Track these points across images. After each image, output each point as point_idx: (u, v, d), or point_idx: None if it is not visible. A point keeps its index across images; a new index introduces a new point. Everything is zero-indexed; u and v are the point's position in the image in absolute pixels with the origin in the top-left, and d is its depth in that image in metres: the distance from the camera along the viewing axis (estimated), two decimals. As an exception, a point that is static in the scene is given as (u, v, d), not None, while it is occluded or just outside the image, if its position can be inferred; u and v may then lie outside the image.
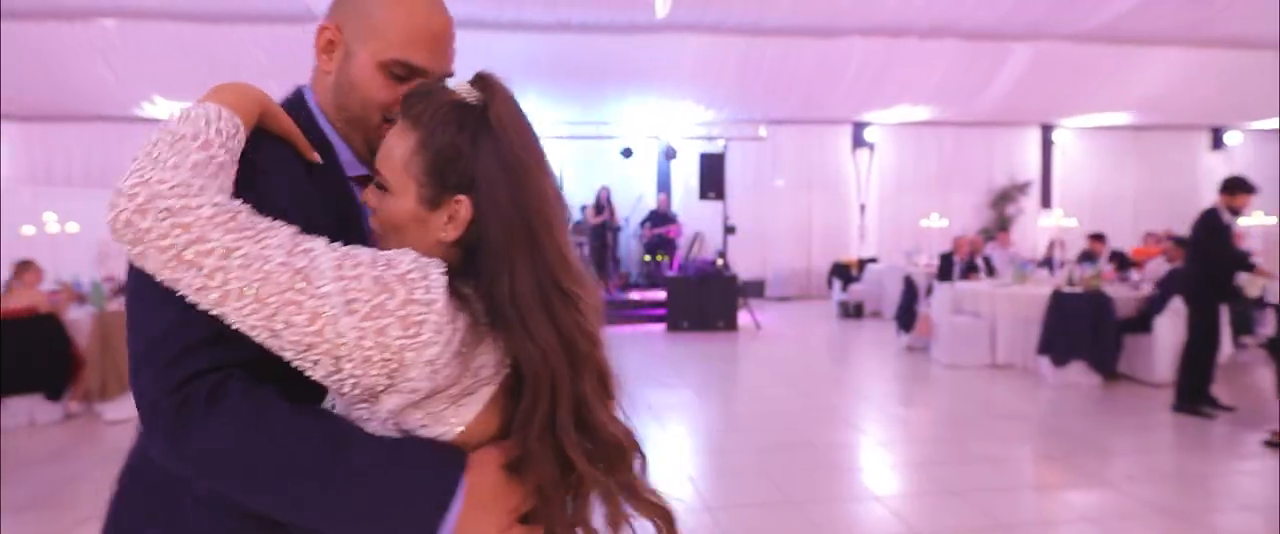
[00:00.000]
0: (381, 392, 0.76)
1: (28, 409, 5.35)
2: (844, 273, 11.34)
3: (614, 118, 12.09)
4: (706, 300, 9.52)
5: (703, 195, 10.46)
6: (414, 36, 0.94)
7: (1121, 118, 13.16)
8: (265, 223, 0.75)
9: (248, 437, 0.74)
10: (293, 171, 0.91)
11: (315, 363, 0.74)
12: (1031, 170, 13.55)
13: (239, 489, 0.76)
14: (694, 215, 12.00)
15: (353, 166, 1.01)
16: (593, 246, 11.33)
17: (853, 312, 10.78)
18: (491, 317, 0.80)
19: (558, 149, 12.12)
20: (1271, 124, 13.08)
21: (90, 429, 5.29)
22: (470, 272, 0.82)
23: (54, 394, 5.40)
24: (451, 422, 0.80)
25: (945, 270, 8.13)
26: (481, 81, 0.86)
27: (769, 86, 11.42)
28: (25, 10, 8.91)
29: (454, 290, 0.78)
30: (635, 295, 10.85)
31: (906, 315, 8.14)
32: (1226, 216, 5.25)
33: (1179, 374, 5.46)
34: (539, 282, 0.81)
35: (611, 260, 11.49)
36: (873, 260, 11.80)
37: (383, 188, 0.85)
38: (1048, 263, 8.75)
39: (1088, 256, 8.44)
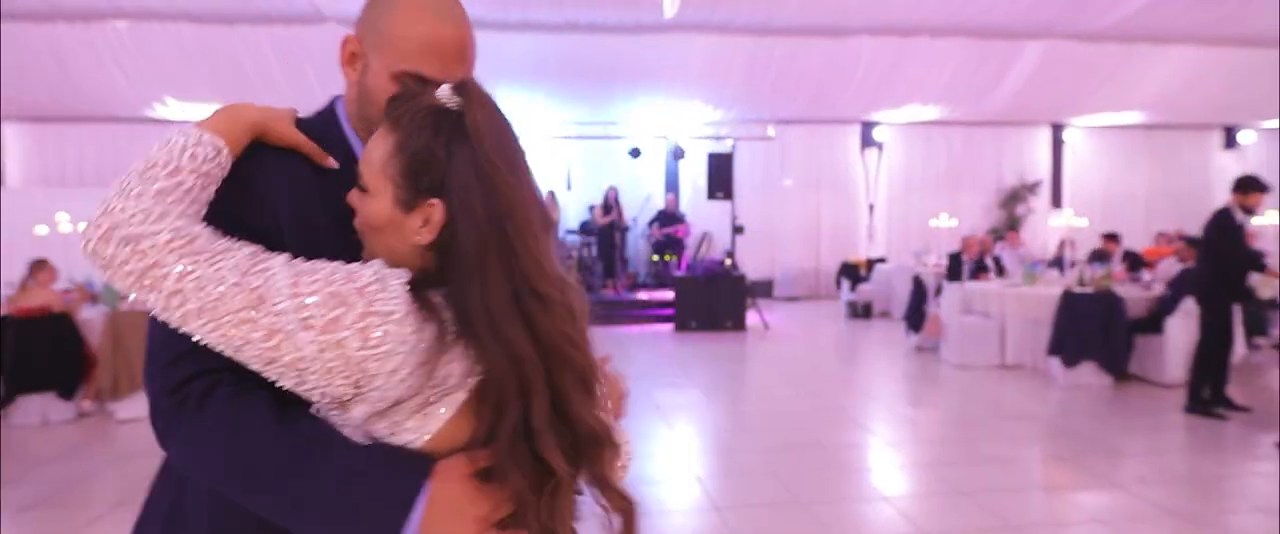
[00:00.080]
0: (349, 401, 0.79)
1: (41, 407, 5.40)
2: (852, 273, 11.31)
3: (622, 118, 12.09)
4: (714, 300, 9.51)
5: (711, 195, 10.45)
6: (423, 49, 0.96)
7: (1133, 117, 13.06)
8: (223, 245, 0.79)
9: (226, 438, 0.80)
10: (295, 174, 0.95)
11: (280, 375, 0.78)
12: (1041, 170, 13.47)
13: (221, 486, 0.82)
14: (702, 215, 12.00)
15: None
16: (601, 246, 11.34)
17: (861, 312, 10.74)
18: (461, 324, 0.80)
19: (566, 149, 12.14)
20: (1285, 123, 12.97)
21: (102, 428, 5.33)
22: (445, 278, 0.83)
23: (67, 393, 5.44)
24: (416, 431, 0.80)
25: (954, 270, 8.10)
26: (462, 88, 0.86)
27: (777, 86, 11.40)
28: (37, 12, 8.98)
29: (421, 299, 0.79)
30: (643, 295, 10.85)
31: (915, 315, 8.11)
32: (1239, 216, 5.21)
33: (1191, 375, 5.41)
34: (514, 288, 0.81)
35: (619, 260, 11.49)
36: (881, 260, 11.76)
37: (363, 189, 0.87)
38: (1058, 263, 8.70)
39: (1099, 256, 8.39)
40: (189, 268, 0.76)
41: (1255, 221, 5.49)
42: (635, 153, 11.67)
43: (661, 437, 4.88)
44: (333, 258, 0.86)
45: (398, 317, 0.76)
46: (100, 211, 0.79)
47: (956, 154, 13.29)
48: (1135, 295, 6.46)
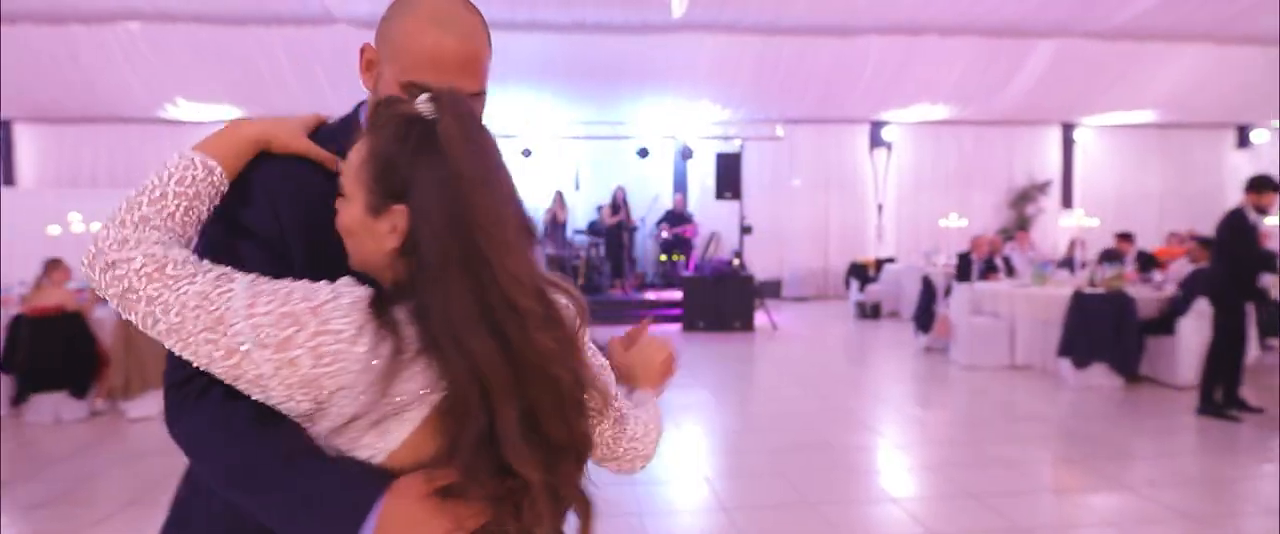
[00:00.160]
0: (312, 415, 0.82)
1: (53, 406, 5.44)
2: (861, 273, 11.27)
3: (630, 118, 12.09)
4: (723, 300, 9.50)
5: (719, 195, 10.44)
6: (426, 60, 0.97)
7: (1145, 116, 12.97)
8: (191, 269, 0.83)
9: (213, 435, 0.86)
10: (304, 180, 0.99)
11: (248, 389, 0.81)
12: (1052, 169, 13.40)
13: (207, 477, 0.89)
14: (710, 215, 11.99)
15: None
16: (609, 246, 11.35)
17: (870, 312, 10.71)
18: (424, 338, 0.80)
19: (574, 149, 12.16)
20: (1299, 122, 12.86)
21: (114, 426, 5.37)
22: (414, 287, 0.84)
23: (79, 392, 5.48)
24: (374, 447, 0.81)
25: (964, 270, 8.06)
26: (437, 97, 0.86)
27: (786, 86, 11.38)
28: (51, 14, 9.06)
29: (380, 316, 0.80)
30: (651, 295, 10.85)
31: (925, 316, 8.08)
32: (1253, 216, 5.17)
33: (1203, 377, 5.37)
34: (483, 299, 0.80)
35: (627, 260, 11.49)
36: (890, 260, 11.73)
37: (341, 194, 0.89)
38: (1068, 263, 8.65)
39: (1111, 256, 8.33)
40: (156, 292, 0.81)
41: (1269, 222, 5.44)
42: (643, 153, 11.67)
43: (669, 437, 4.88)
44: (340, 260, 0.88)
45: (348, 335, 0.78)
46: (94, 237, 0.86)
47: (966, 154, 13.23)
48: (1146, 296, 6.41)
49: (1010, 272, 8.24)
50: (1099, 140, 13.58)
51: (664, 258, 11.64)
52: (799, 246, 13.02)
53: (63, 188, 11.28)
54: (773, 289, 12.45)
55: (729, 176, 10.30)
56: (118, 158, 11.75)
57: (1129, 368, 6.16)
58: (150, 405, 5.39)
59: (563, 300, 0.91)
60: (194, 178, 0.90)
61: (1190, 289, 6.09)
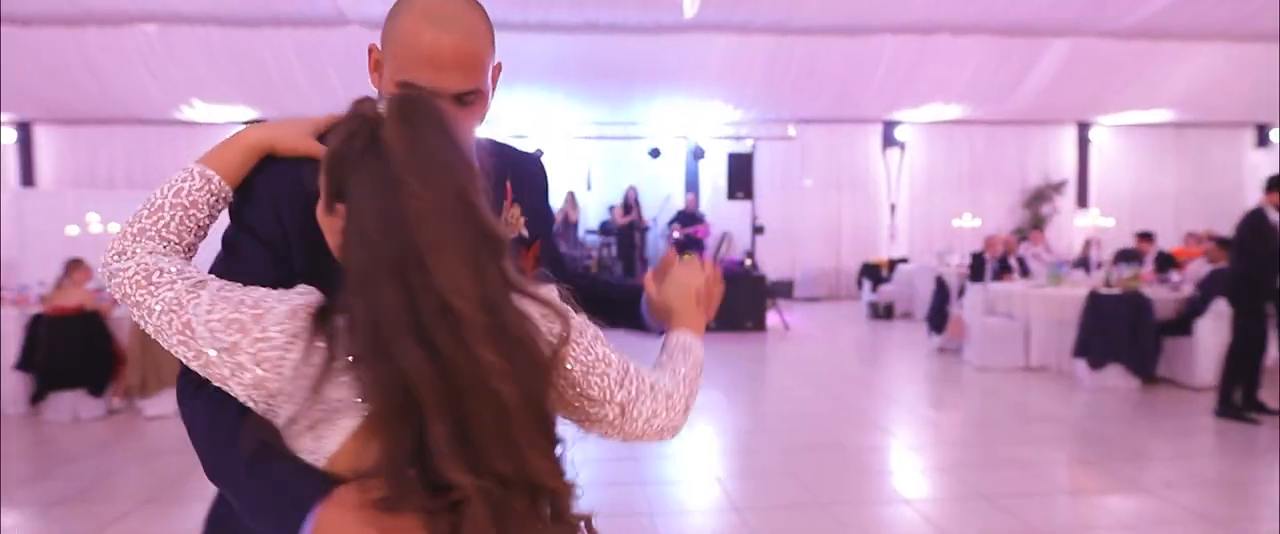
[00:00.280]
0: (268, 415, 0.84)
1: (72, 404, 5.51)
2: (874, 273, 11.22)
3: (642, 118, 12.09)
4: (734, 301, 9.47)
5: (731, 195, 10.42)
6: (417, 58, 0.98)
7: (1161, 115, 12.84)
8: (171, 276, 0.88)
9: (197, 428, 0.92)
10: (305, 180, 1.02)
11: (219, 386, 0.85)
12: (1067, 169, 13.29)
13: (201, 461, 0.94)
14: (722, 215, 11.96)
15: None
16: (620, 246, 11.36)
17: (883, 312, 10.66)
18: (357, 343, 0.79)
19: (586, 149, 12.17)
20: (1319, 120, 12.68)
21: (131, 424, 5.42)
22: None
23: (97, 390, 5.54)
24: (311, 452, 0.81)
25: (977, 270, 8.01)
26: (393, 100, 0.85)
27: (798, 86, 11.34)
28: (68, 17, 9.16)
29: (319, 322, 0.81)
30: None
31: (938, 316, 8.04)
32: (1273, 216, 5.11)
33: (1222, 378, 5.31)
34: (413, 305, 0.77)
35: (639, 260, 11.50)
36: (903, 261, 11.66)
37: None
38: (1084, 263, 8.58)
39: (1128, 256, 8.25)
40: (142, 298, 0.88)
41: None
42: (655, 153, 11.67)
43: (681, 437, 4.84)
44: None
45: (281, 342, 0.81)
46: (106, 246, 0.93)
47: (979, 153, 13.15)
48: (1164, 297, 6.35)
49: (1024, 272, 8.18)
50: (1115, 140, 13.46)
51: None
52: (811, 247, 12.97)
53: (81, 188, 11.40)
54: (785, 289, 12.42)
55: (741, 177, 10.28)
56: (135, 159, 11.87)
57: (1146, 369, 6.10)
58: (167, 404, 5.44)
59: (537, 313, 0.86)
60: (190, 188, 0.96)
61: (1208, 290, 6.03)
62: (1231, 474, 4.21)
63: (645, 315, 1.25)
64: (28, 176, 11.85)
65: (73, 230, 8.73)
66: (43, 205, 10.03)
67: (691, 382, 1.04)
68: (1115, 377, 6.13)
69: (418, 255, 0.78)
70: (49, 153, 12.05)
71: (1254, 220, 5.17)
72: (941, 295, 8.09)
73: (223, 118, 11.31)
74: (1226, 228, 6.27)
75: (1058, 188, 13.03)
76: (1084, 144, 13.35)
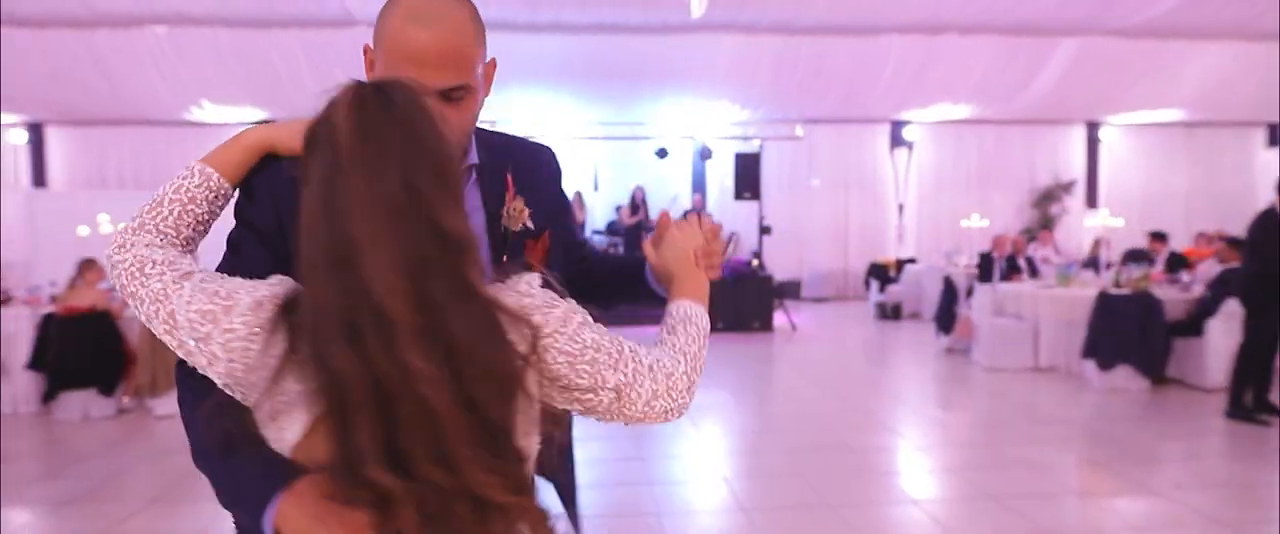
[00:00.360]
0: (246, 403, 0.85)
1: (82, 403, 5.54)
2: (881, 273, 11.19)
3: (649, 118, 12.10)
4: (742, 301, 9.47)
5: (738, 195, 10.41)
6: (402, 56, 0.99)
7: (1171, 114, 12.76)
8: (160, 270, 0.91)
9: (188, 410, 0.96)
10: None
11: (205, 374, 0.88)
12: (1076, 169, 13.22)
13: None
14: (729, 215, 11.95)
15: None
16: (627, 246, 11.35)
17: (890, 313, 10.63)
18: (303, 339, 0.78)
19: (593, 149, 12.18)
20: (1332, 120, 12.58)
21: (141, 424, 5.45)
22: None
23: (107, 389, 5.58)
24: (276, 440, 0.82)
25: (986, 271, 7.98)
26: (350, 85, 0.82)
27: (805, 86, 11.33)
28: (79, 19, 9.23)
29: (286, 314, 0.81)
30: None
31: (946, 317, 8.01)
32: (1285, 216, 5.07)
33: (1233, 379, 5.27)
34: (347, 303, 0.74)
35: (646, 260, 11.48)
36: (911, 261, 11.63)
37: None
38: (1093, 263, 8.54)
39: (1135, 256, 8.21)
40: (135, 289, 0.91)
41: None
42: (662, 153, 11.67)
43: (688, 437, 4.87)
44: None
45: (243, 334, 0.83)
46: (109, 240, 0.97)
47: (988, 153, 13.09)
48: (1174, 297, 6.31)
49: (1033, 272, 8.14)
50: (1125, 139, 13.38)
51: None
52: (818, 247, 12.95)
53: (92, 189, 11.47)
54: (792, 290, 12.39)
55: (748, 177, 10.27)
56: (144, 160, 11.95)
57: (1156, 370, 6.07)
58: (176, 403, 5.46)
59: (504, 322, 0.80)
60: (189, 185, 0.99)
61: (1219, 290, 5.99)
62: (1242, 476, 4.18)
63: (652, 284, 1.22)
64: (39, 177, 11.95)
65: (84, 231, 8.79)
66: (54, 206, 10.10)
67: (694, 356, 0.98)
68: (1125, 378, 6.09)
69: (350, 250, 0.75)
70: (60, 154, 12.14)
71: (1266, 220, 5.13)
72: (950, 296, 8.06)
73: (232, 118, 11.37)
74: (1237, 228, 6.23)
75: (1067, 188, 12.96)
76: (1093, 144, 13.28)
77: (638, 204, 11.46)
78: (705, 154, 11.84)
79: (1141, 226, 10.53)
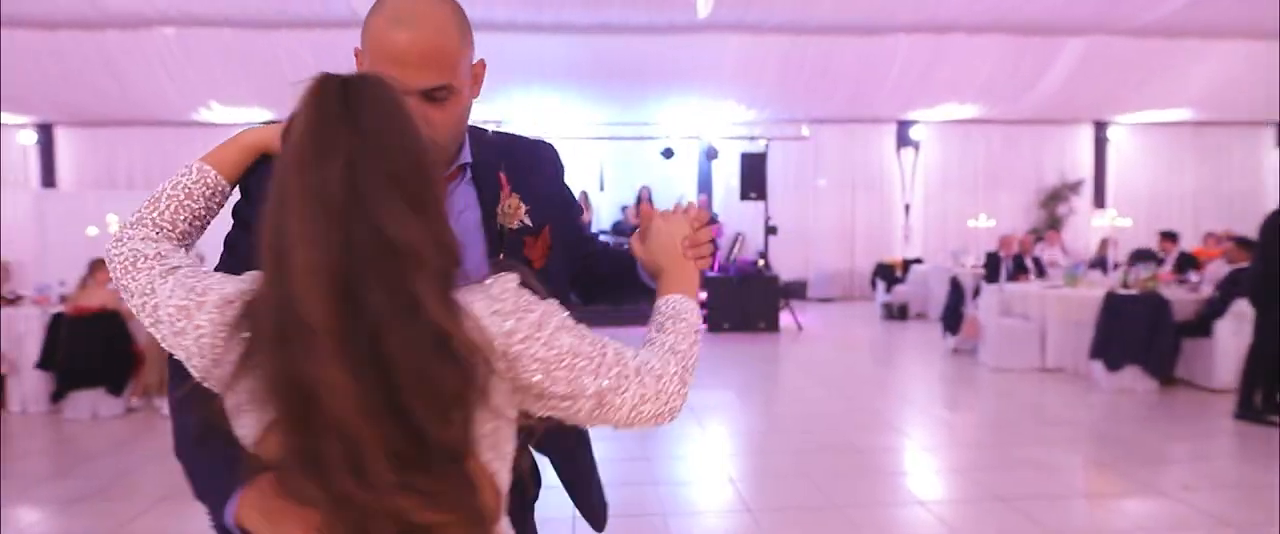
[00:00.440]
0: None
1: (91, 402, 5.57)
2: (888, 274, 11.17)
3: (655, 118, 12.10)
4: (747, 301, 9.46)
5: (744, 195, 10.40)
6: (384, 56, 0.99)
7: (1179, 114, 12.69)
8: (150, 264, 0.93)
9: (173, 404, 0.99)
10: None
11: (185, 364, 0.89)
12: (1084, 169, 13.16)
13: None
14: (735, 215, 11.95)
15: None
16: (633, 247, 11.35)
17: (897, 313, 10.61)
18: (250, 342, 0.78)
19: (599, 149, 12.19)
20: (1342, 119, 12.50)
21: (149, 423, 5.48)
22: None
23: (116, 389, 5.61)
24: (243, 437, 0.82)
25: (992, 271, 7.96)
26: (311, 80, 0.79)
27: (811, 85, 11.31)
28: (89, 20, 9.28)
29: (248, 310, 0.80)
30: (676, 296, 10.81)
31: (953, 317, 7.99)
32: (1295, 216, 5.05)
33: (1242, 380, 5.25)
34: (277, 304, 0.72)
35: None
36: (918, 261, 11.60)
37: None
38: (1100, 263, 8.50)
39: (1143, 256, 8.17)
40: (128, 282, 0.93)
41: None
42: (668, 153, 11.66)
43: (694, 438, 4.88)
44: None
45: (209, 330, 0.84)
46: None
47: (995, 153, 13.05)
48: (1182, 297, 6.28)
49: (1040, 272, 8.11)
50: (1133, 139, 13.32)
51: (688, 258, 11.59)
52: (825, 247, 12.93)
53: (101, 190, 11.53)
54: (798, 290, 12.38)
55: (754, 177, 10.26)
56: (153, 160, 12.00)
57: (1164, 370, 6.04)
58: (184, 403, 5.49)
59: (458, 340, 0.75)
60: (186, 181, 1.02)
61: (1228, 290, 5.96)
62: (1251, 478, 4.16)
63: (645, 279, 1.19)
64: (49, 178, 12.02)
65: (93, 231, 8.83)
66: (63, 206, 10.16)
67: (684, 354, 0.91)
68: (1132, 378, 6.06)
69: (277, 257, 0.73)
70: (69, 154, 12.21)
71: (1275, 220, 5.11)
72: (956, 296, 8.04)
73: (240, 119, 11.42)
74: (1246, 228, 6.20)
75: (1074, 187, 12.91)
76: (1101, 143, 13.23)
77: (644, 204, 11.45)
78: (711, 154, 11.83)
79: (1149, 227, 10.50)
